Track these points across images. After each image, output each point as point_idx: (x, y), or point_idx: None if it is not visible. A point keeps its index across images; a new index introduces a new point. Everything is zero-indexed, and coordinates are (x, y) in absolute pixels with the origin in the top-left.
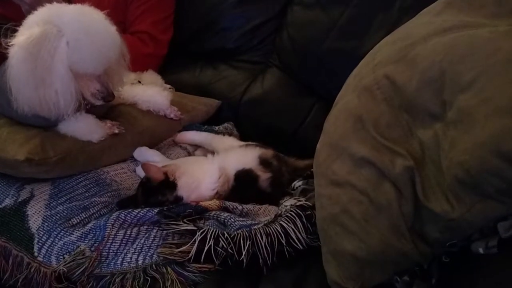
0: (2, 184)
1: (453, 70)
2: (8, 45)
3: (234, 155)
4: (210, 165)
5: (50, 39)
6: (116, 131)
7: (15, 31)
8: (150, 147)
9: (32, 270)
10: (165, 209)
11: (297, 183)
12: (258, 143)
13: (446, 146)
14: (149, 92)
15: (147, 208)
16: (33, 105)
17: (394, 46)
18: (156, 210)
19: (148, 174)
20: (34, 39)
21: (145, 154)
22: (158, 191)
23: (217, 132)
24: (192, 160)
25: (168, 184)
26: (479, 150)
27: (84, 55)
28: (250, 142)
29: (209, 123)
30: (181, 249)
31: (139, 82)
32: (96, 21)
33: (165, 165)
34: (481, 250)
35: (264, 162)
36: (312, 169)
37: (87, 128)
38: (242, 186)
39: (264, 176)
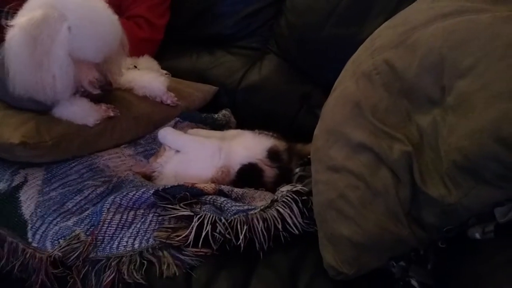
0: None
1: (453, 55)
2: (8, 26)
3: (241, 145)
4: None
5: (51, 23)
6: (112, 114)
7: (16, 14)
8: (146, 134)
9: (28, 256)
10: (160, 189)
11: (294, 170)
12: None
13: (444, 132)
14: (146, 77)
15: (142, 190)
16: (29, 88)
17: (393, 32)
18: (151, 191)
19: None
20: (36, 21)
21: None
22: None
23: (216, 120)
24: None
25: None
26: (478, 135)
27: (86, 42)
28: (265, 132)
29: (206, 109)
30: (177, 233)
31: (135, 67)
32: (100, 9)
33: None
34: (477, 236)
35: (273, 156)
36: (309, 156)
37: (82, 112)
38: (244, 181)
39: (269, 172)
